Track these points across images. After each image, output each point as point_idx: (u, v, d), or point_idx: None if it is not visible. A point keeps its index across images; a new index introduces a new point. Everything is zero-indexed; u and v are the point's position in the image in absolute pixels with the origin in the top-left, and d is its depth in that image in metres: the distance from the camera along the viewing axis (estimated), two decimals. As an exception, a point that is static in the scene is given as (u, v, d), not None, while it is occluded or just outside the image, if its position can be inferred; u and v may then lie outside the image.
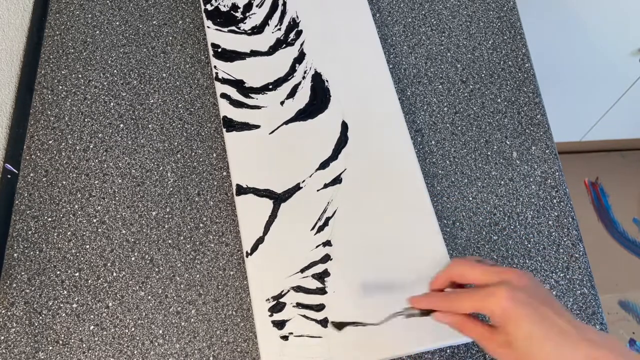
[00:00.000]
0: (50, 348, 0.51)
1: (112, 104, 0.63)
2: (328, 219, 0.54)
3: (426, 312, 0.43)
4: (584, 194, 1.51)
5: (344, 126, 0.59)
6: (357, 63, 0.63)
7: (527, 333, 0.34)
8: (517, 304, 0.35)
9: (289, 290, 0.51)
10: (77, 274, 0.54)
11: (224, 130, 0.59)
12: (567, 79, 1.27)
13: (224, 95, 0.60)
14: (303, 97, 0.61)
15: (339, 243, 0.53)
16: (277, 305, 0.51)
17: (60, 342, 0.52)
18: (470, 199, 0.59)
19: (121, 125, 0.62)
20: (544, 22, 1.11)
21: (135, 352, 0.51)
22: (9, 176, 0.59)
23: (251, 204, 0.55)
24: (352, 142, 0.58)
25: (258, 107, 0.60)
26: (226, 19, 0.65)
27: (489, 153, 0.61)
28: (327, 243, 0.53)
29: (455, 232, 0.57)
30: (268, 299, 0.51)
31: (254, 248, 0.53)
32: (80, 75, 0.65)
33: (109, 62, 0.65)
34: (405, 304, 0.44)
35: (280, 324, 0.50)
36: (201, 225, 0.57)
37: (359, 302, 0.51)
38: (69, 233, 0.56)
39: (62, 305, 0.53)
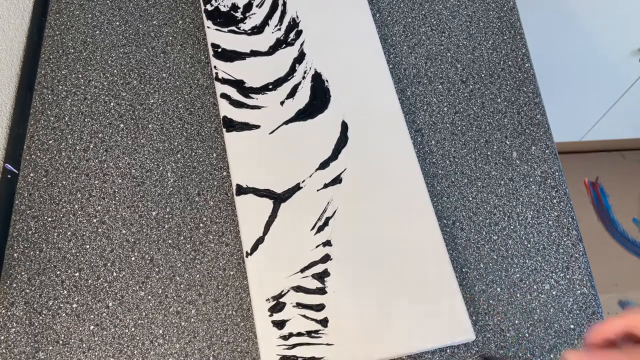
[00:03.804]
0: (50, 348, 0.51)
1: (112, 104, 0.63)
2: (328, 219, 0.54)
3: None
4: (584, 194, 1.51)
5: (344, 126, 0.59)
6: (357, 63, 0.63)
7: None
8: None
9: (289, 290, 0.51)
10: (77, 274, 0.54)
11: (224, 130, 0.59)
12: (567, 79, 1.27)
13: (224, 95, 0.60)
14: (303, 97, 0.61)
15: (339, 243, 0.53)
16: (277, 305, 0.51)
17: (60, 342, 0.52)
18: (470, 199, 0.59)
19: (121, 125, 0.62)
20: (544, 22, 1.11)
21: (135, 352, 0.51)
22: (9, 176, 0.59)
23: (251, 204, 0.55)
24: (352, 142, 0.58)
25: (258, 107, 0.60)
26: (226, 19, 0.65)
27: (489, 153, 0.61)
28: (327, 243, 0.53)
29: (455, 232, 0.57)
30: (268, 299, 0.51)
31: (254, 248, 0.53)
32: (80, 75, 0.65)
33: (109, 62, 0.65)
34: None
35: (280, 324, 0.50)
36: (201, 225, 0.57)
37: (359, 302, 0.51)
38: (69, 233, 0.56)
39: (62, 305, 0.53)
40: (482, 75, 0.66)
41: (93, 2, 0.69)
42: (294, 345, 0.49)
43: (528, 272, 0.55)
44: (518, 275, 0.55)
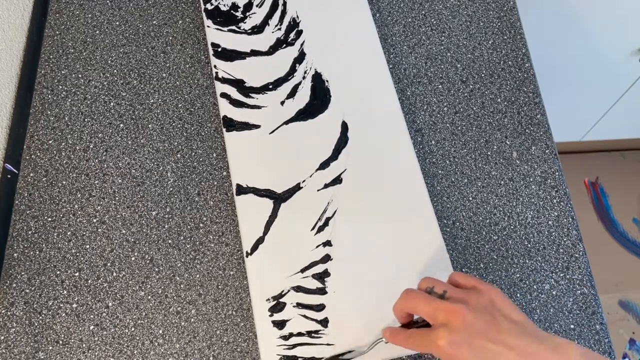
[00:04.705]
0: (50, 348, 0.51)
1: (112, 104, 0.63)
2: (328, 219, 0.54)
3: None
4: (584, 194, 1.51)
5: (344, 126, 0.59)
6: (357, 63, 0.63)
7: None
8: (455, 348, 0.38)
9: (289, 290, 0.51)
10: (77, 274, 0.54)
11: (224, 130, 0.59)
12: (567, 79, 1.27)
13: (224, 95, 0.60)
14: (303, 97, 0.61)
15: (339, 243, 0.53)
16: (277, 305, 0.51)
17: (60, 342, 0.52)
18: (470, 199, 0.59)
19: (121, 125, 0.62)
20: (544, 22, 1.11)
21: (135, 352, 0.51)
22: (9, 176, 0.59)
23: (251, 204, 0.55)
24: (352, 142, 0.58)
25: (258, 107, 0.60)
26: (226, 19, 0.65)
27: (489, 153, 0.61)
28: (327, 243, 0.53)
29: (455, 232, 0.57)
30: (268, 299, 0.51)
31: (254, 248, 0.53)
32: (80, 75, 0.65)
33: (109, 62, 0.65)
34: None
35: (280, 324, 0.50)
36: (201, 225, 0.57)
37: (359, 302, 0.51)
38: (69, 233, 0.56)
39: (62, 305, 0.53)
40: (482, 75, 0.66)
41: (93, 2, 0.69)
42: (294, 345, 0.49)
43: (528, 272, 0.55)
44: (518, 275, 0.55)
